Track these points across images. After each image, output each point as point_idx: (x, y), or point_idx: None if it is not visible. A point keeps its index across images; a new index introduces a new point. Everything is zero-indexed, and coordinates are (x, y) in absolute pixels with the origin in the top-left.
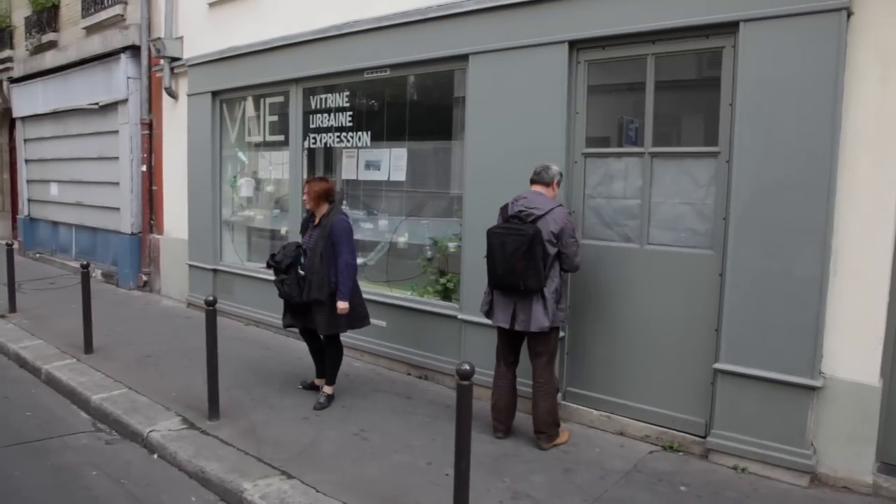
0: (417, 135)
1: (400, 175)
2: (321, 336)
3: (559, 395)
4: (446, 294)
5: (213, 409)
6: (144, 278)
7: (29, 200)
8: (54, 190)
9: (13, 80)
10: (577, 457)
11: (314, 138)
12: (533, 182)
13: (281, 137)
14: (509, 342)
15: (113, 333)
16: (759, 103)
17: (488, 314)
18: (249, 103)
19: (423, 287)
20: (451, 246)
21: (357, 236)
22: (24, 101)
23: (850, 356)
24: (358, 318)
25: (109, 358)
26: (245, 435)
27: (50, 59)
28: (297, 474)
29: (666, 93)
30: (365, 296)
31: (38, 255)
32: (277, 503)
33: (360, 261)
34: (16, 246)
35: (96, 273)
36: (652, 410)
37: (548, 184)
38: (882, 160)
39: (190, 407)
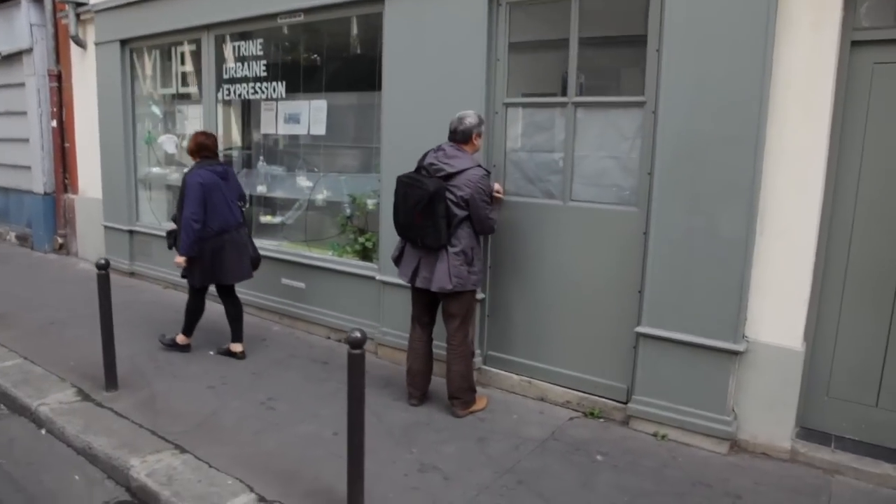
0: (338, 86)
1: (320, 129)
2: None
3: (479, 360)
4: (366, 254)
5: (111, 380)
6: (60, 241)
7: None
8: None
9: None
10: (492, 424)
11: (228, 90)
12: (450, 137)
13: (195, 89)
14: (423, 303)
15: (18, 299)
16: (687, 49)
17: (396, 262)
18: (161, 53)
19: (343, 247)
20: (370, 203)
21: (276, 193)
22: None
23: (773, 319)
24: (210, 272)
25: (10, 326)
26: (143, 406)
27: None
28: (191, 448)
29: (592, 38)
30: (283, 257)
31: None
32: (165, 480)
33: (277, 220)
34: None
35: (10, 236)
36: (573, 375)
37: (465, 140)
38: (811, 112)
39: (87, 377)
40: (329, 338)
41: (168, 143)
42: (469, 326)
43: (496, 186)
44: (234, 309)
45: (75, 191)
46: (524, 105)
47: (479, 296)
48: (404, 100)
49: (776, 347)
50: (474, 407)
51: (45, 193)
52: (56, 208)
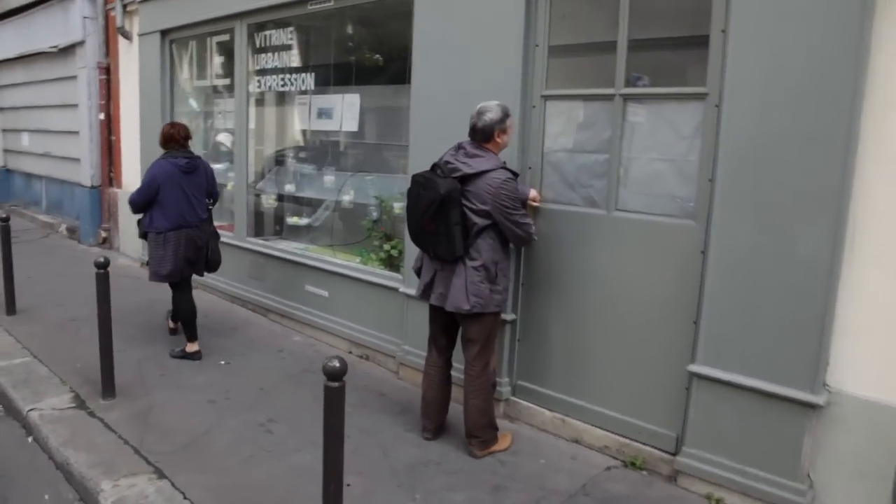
0: (369, 79)
1: (352, 124)
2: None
3: (507, 390)
4: (391, 262)
5: (108, 387)
6: (104, 235)
7: (5, 151)
8: (25, 140)
9: None
10: (514, 469)
11: (259, 82)
12: (470, 135)
13: (228, 81)
14: (440, 322)
15: (47, 293)
16: (760, 28)
17: (418, 273)
18: (198, 44)
19: (368, 254)
20: (397, 207)
21: (304, 193)
22: None
23: (865, 366)
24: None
25: (31, 321)
26: (135, 419)
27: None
28: (171, 473)
29: (645, 17)
30: (307, 262)
31: (12, 207)
32: None
33: (304, 221)
34: None
35: (62, 228)
36: (614, 416)
37: (486, 139)
38: None
39: (89, 381)
40: (350, 352)
41: (227, 140)
42: (490, 354)
43: (532, 193)
44: (185, 307)
45: (119, 184)
46: (565, 98)
47: (510, 317)
48: (433, 92)
49: (868, 402)
50: (495, 447)
51: (92, 186)
52: (101, 202)
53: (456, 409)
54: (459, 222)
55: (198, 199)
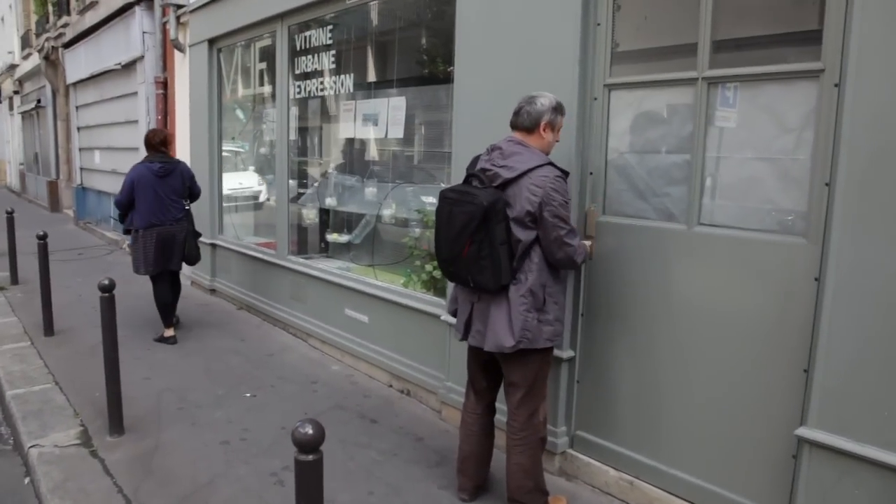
0: (413, 79)
1: (398, 131)
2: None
3: (564, 441)
4: (435, 285)
5: (115, 423)
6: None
7: (81, 169)
8: (97, 158)
9: (65, 46)
10: None
11: (299, 87)
12: (512, 122)
13: (271, 89)
14: (480, 361)
15: (90, 314)
16: None
17: (454, 313)
18: (242, 52)
19: (410, 275)
20: None
21: (346, 207)
22: (73, 66)
23: None
24: (140, 260)
25: (64, 343)
26: (137, 462)
27: (88, 19)
28: None
29: None
30: (346, 283)
31: (86, 224)
32: None
33: (344, 238)
34: (71, 215)
35: (125, 245)
36: (696, 484)
37: (530, 128)
38: None
39: (102, 414)
40: (391, 385)
41: (268, 152)
42: (539, 401)
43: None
44: (160, 297)
45: None
46: (634, 86)
47: (566, 353)
48: (477, 88)
49: None
50: None
51: None
52: None
53: (501, 460)
54: (506, 241)
55: (172, 201)
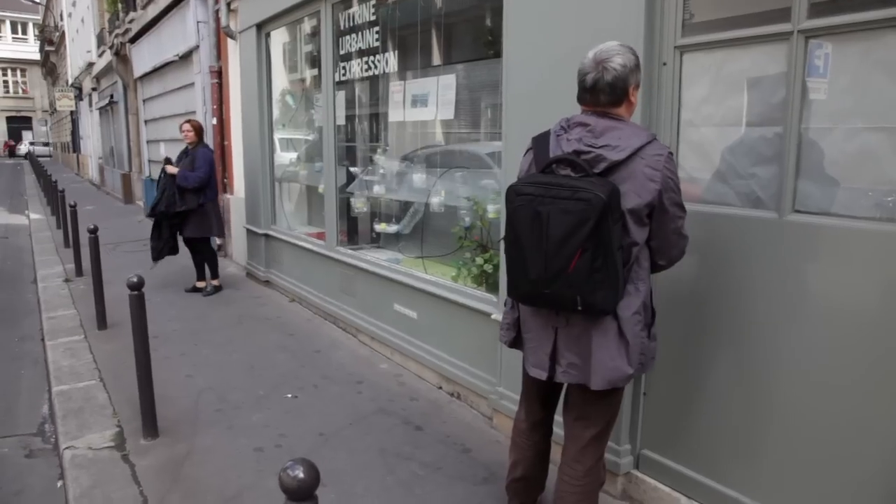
0: (460, 54)
1: (448, 111)
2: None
3: (628, 461)
4: (486, 280)
5: (149, 426)
6: (219, 241)
7: (149, 161)
8: (162, 150)
9: (131, 41)
10: None
11: (344, 68)
12: (586, 101)
13: (316, 72)
14: (543, 391)
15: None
16: None
17: (514, 343)
18: (289, 34)
19: (460, 267)
20: (491, 210)
21: (395, 196)
22: (138, 60)
23: None
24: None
25: (116, 337)
26: (167, 469)
27: (150, 12)
28: None
29: None
30: (394, 276)
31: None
32: None
33: (392, 228)
34: (142, 206)
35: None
36: None
37: (614, 102)
38: None
39: (139, 415)
40: (440, 387)
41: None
42: (607, 440)
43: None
44: (210, 253)
45: (231, 190)
46: (711, 46)
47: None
48: (528, 57)
49: None
50: None
51: None
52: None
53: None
54: (622, 245)
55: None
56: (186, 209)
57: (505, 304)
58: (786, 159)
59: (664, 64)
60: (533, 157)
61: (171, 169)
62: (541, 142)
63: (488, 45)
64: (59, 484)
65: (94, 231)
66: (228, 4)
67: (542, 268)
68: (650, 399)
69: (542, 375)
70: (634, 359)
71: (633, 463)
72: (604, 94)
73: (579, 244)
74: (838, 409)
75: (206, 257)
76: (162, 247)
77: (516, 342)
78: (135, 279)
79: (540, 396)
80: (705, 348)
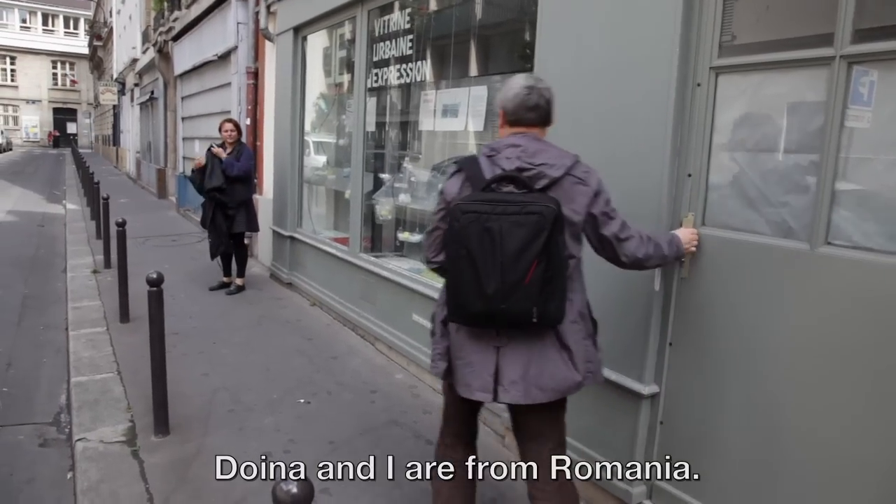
0: (492, 68)
1: (479, 123)
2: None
3: (641, 490)
4: None
5: (161, 423)
6: (246, 241)
7: (184, 158)
8: (197, 147)
9: (174, 39)
10: None
11: (376, 75)
12: (523, 120)
13: (350, 78)
14: (469, 407)
15: (168, 301)
16: None
17: (446, 373)
18: (325, 39)
19: None
20: None
21: (419, 205)
22: (179, 58)
23: None
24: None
25: (137, 330)
26: (175, 468)
27: (193, 12)
28: None
29: None
30: (414, 286)
31: (186, 211)
32: None
33: (415, 238)
34: (174, 201)
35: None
36: None
37: (544, 122)
38: None
39: (152, 410)
40: None
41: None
42: (566, 448)
43: (688, 233)
44: (243, 251)
45: (261, 191)
46: (748, 69)
47: (649, 389)
48: (561, 70)
49: None
50: None
51: None
52: None
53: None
54: (564, 258)
55: None
56: (241, 200)
57: (432, 335)
58: (821, 188)
59: (698, 85)
60: (464, 178)
61: (219, 151)
62: (471, 164)
63: (523, 59)
64: (69, 476)
65: (121, 224)
66: (268, 7)
67: (499, 281)
68: (667, 428)
69: (489, 398)
70: (581, 367)
71: (646, 493)
72: (535, 112)
73: (534, 256)
74: (865, 451)
75: (239, 254)
76: (220, 243)
77: (448, 372)
78: (154, 275)
79: (467, 410)
80: (726, 379)
